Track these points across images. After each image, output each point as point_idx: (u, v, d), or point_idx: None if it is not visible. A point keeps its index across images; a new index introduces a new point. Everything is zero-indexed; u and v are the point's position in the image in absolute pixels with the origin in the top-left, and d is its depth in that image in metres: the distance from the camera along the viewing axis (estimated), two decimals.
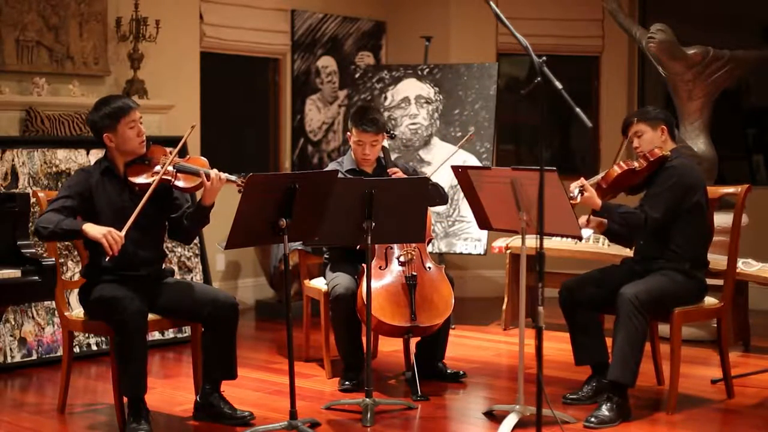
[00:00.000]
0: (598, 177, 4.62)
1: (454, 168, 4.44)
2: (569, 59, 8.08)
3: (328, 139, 7.88)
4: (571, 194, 4.45)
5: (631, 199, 4.77)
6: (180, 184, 4.23)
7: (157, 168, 4.22)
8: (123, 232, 3.99)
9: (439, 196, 5.12)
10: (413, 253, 4.91)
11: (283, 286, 6.29)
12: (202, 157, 4.36)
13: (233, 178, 4.15)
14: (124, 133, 4.23)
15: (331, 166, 5.25)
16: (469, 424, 4.50)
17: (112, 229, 3.98)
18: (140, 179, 4.21)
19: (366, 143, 5.04)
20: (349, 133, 5.12)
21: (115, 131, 4.23)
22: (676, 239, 4.52)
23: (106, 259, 4.02)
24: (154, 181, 4.15)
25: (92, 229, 3.99)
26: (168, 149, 4.32)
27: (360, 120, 5.04)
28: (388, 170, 5.09)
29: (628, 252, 5.63)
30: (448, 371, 5.12)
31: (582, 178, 4.53)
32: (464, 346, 6.01)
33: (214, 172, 4.19)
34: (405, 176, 5.05)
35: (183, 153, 4.49)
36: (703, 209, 4.58)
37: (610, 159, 7.91)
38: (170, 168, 4.20)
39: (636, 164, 4.55)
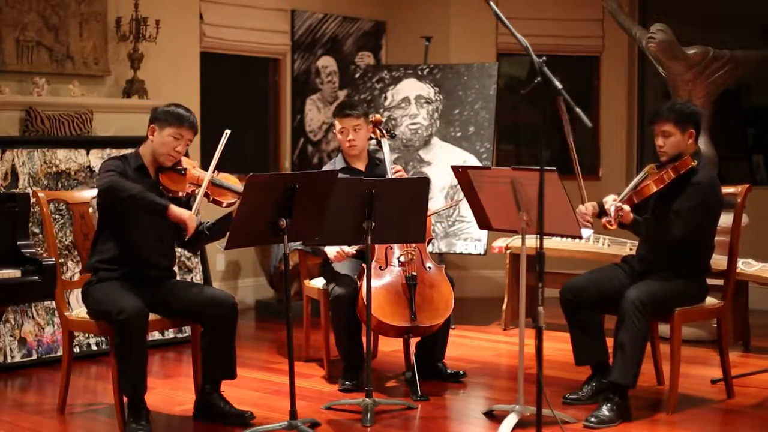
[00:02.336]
0: (629, 192, 4.49)
1: (454, 168, 4.43)
2: (569, 59, 8.08)
3: (328, 139, 7.88)
4: (608, 217, 4.38)
5: None
6: (217, 198, 4.31)
7: (195, 178, 4.30)
8: (193, 211, 4.21)
9: None
10: (413, 253, 4.91)
11: (283, 286, 6.29)
12: (233, 176, 4.41)
13: None
14: (165, 138, 4.29)
15: (326, 168, 5.28)
16: (469, 424, 4.50)
17: (191, 213, 4.16)
18: (174, 186, 4.30)
19: (348, 129, 5.10)
20: (334, 131, 5.18)
21: (162, 130, 4.29)
22: (681, 243, 4.51)
23: (186, 239, 4.23)
24: (200, 190, 4.24)
25: (179, 210, 4.15)
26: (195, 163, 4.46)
27: (339, 109, 5.19)
28: (392, 166, 5.10)
29: (629, 252, 5.64)
30: (448, 371, 5.13)
31: (614, 198, 4.42)
32: (464, 346, 6.01)
33: None
34: (407, 176, 5.07)
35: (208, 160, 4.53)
36: (715, 223, 4.58)
37: (610, 159, 7.96)
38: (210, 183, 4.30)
39: (666, 177, 4.46)
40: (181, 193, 4.27)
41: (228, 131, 4.33)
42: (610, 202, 4.43)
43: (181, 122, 4.29)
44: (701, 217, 4.47)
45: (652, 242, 4.59)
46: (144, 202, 4.11)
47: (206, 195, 4.29)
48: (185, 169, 4.34)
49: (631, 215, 4.44)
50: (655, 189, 4.48)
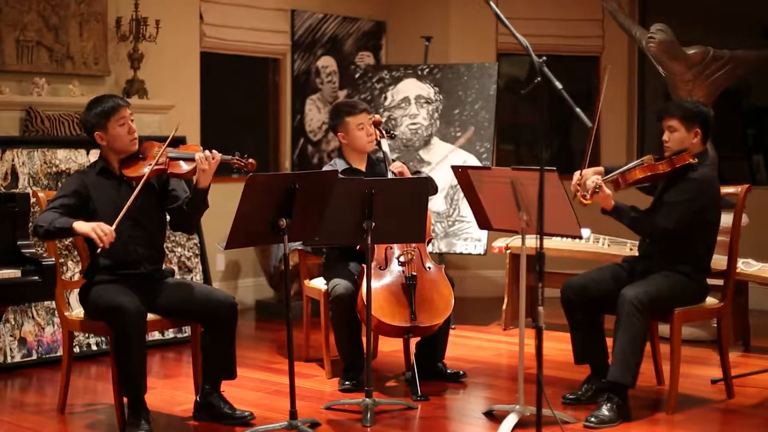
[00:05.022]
0: (617, 173, 4.52)
1: (454, 168, 4.44)
2: (569, 59, 8.08)
3: (328, 139, 7.88)
4: (584, 192, 4.40)
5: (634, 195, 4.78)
6: (175, 171, 4.27)
7: (154, 156, 4.26)
8: (113, 226, 4.03)
9: (432, 187, 5.11)
10: (413, 253, 4.91)
11: (283, 286, 6.30)
12: (196, 144, 4.38)
13: (227, 157, 4.18)
14: (114, 131, 4.27)
15: (326, 168, 5.27)
16: (469, 424, 4.50)
17: (101, 223, 4.02)
18: (136, 173, 4.26)
19: (366, 123, 5.11)
20: (342, 133, 5.13)
21: (106, 129, 4.28)
22: (681, 243, 4.51)
23: (98, 251, 4.08)
24: (149, 170, 4.19)
25: (81, 226, 4.03)
26: (161, 143, 4.37)
27: (354, 106, 5.17)
28: (392, 166, 5.09)
29: (629, 252, 5.64)
30: (448, 371, 5.12)
31: (598, 177, 4.46)
32: (464, 346, 6.01)
33: (203, 153, 4.21)
34: (409, 174, 5.07)
35: (178, 144, 4.50)
36: (714, 224, 4.57)
37: (610, 159, 7.95)
38: (163, 158, 4.24)
39: (660, 168, 4.49)
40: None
41: (177, 126, 4.36)
42: (592, 176, 4.42)
43: (116, 108, 4.27)
44: (694, 213, 4.46)
45: (638, 231, 4.58)
46: (55, 230, 4.08)
47: (163, 170, 4.26)
48: (144, 153, 4.33)
49: (612, 201, 4.43)
50: (640, 176, 4.48)
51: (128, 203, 4.09)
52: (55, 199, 4.23)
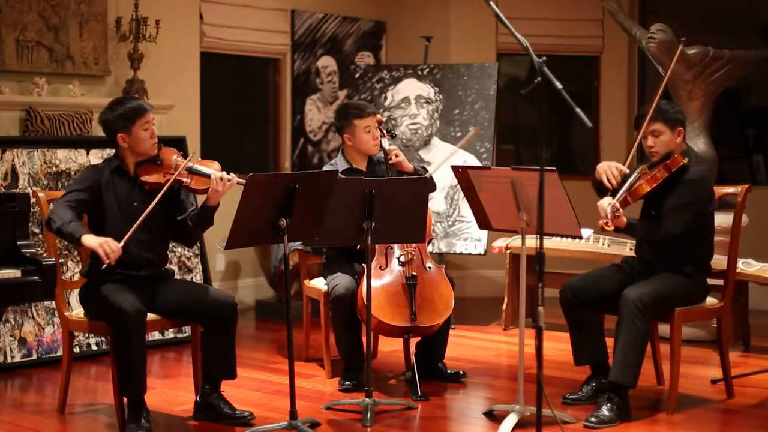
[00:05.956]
0: (624, 193, 4.49)
1: (454, 168, 4.44)
2: (569, 59, 8.08)
3: (328, 139, 7.88)
4: (605, 218, 4.39)
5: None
6: (193, 185, 4.26)
7: (172, 167, 4.26)
8: (121, 243, 4.01)
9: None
10: (413, 253, 4.91)
11: (283, 286, 6.30)
12: (215, 161, 4.38)
13: (242, 181, 4.16)
14: (138, 135, 4.26)
15: (326, 168, 5.27)
16: (469, 424, 4.50)
17: (109, 240, 4.00)
18: (152, 178, 4.25)
19: (372, 127, 5.11)
20: (347, 135, 5.13)
21: (130, 132, 4.26)
22: (682, 244, 4.51)
23: (102, 267, 4.05)
24: (168, 181, 4.19)
25: (89, 240, 4.02)
26: (179, 152, 4.37)
27: (362, 109, 5.14)
28: (387, 151, 5.07)
29: (629, 252, 5.64)
30: (448, 371, 5.13)
31: (611, 199, 4.44)
32: (464, 346, 6.01)
33: (219, 174, 4.21)
34: (405, 159, 5.07)
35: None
36: (711, 218, 4.58)
37: (610, 159, 7.93)
38: (183, 171, 4.24)
39: (659, 175, 4.48)
40: (161, 182, 4.21)
41: (193, 153, 4.39)
42: (606, 203, 4.43)
43: (142, 112, 4.27)
44: (697, 213, 4.47)
45: (650, 242, 4.59)
46: (64, 234, 4.08)
47: (181, 182, 4.26)
48: (162, 160, 4.31)
49: (625, 219, 4.44)
50: (648, 189, 4.49)
51: (142, 216, 4.08)
52: (70, 192, 4.23)
